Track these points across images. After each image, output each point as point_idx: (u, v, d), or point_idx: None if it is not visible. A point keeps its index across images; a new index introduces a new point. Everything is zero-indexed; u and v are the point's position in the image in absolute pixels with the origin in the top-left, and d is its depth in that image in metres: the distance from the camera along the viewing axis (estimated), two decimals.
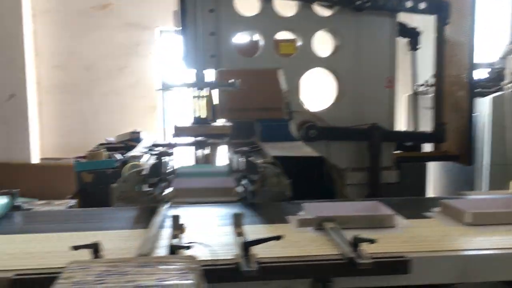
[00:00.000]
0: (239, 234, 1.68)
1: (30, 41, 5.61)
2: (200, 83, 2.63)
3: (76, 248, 1.36)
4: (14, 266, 1.48)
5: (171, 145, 3.77)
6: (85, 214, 2.15)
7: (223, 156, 4.06)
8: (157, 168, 2.33)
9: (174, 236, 1.67)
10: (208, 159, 4.20)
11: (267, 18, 2.57)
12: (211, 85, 2.69)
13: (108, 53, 5.86)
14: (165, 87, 2.71)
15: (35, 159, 5.67)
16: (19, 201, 2.20)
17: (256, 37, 2.82)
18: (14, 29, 5.41)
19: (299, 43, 2.66)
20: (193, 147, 4.01)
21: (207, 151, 4.16)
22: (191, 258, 1.20)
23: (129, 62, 5.94)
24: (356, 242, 1.47)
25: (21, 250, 1.63)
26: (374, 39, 2.64)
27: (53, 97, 5.86)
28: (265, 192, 2.58)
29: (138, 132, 4.50)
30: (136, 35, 5.91)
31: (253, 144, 3.62)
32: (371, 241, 1.45)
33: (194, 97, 4.84)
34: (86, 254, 1.39)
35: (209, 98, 4.41)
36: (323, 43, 2.82)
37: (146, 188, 2.50)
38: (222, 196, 2.48)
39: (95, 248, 1.38)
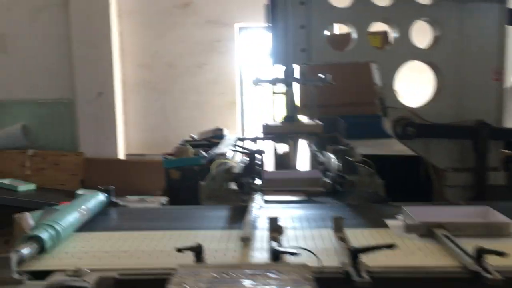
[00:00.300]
0: (342, 239, 1.57)
1: (117, 41, 5.82)
2: (290, 79, 2.54)
3: (179, 250, 1.32)
4: (114, 264, 1.47)
5: (254, 139, 3.73)
6: (177, 212, 2.14)
7: (304, 151, 3.96)
8: (251, 168, 2.28)
9: (273, 238, 1.60)
10: (289, 154, 4.12)
11: (361, 9, 2.44)
12: (302, 81, 2.59)
13: (189, 50, 5.94)
14: (255, 83, 2.65)
15: (121, 154, 5.89)
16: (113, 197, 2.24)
17: (347, 29, 2.69)
18: (102, 30, 5.64)
19: (395, 34, 2.50)
20: (274, 142, 3.94)
21: (287, 146, 4.08)
22: (305, 267, 1.11)
23: (209, 59, 5.99)
24: (480, 254, 1.31)
25: (119, 248, 1.63)
26: (480, 28, 2.42)
27: (137, 95, 6.04)
28: (358, 192, 2.46)
29: (221, 129, 4.51)
30: (216, 32, 5.95)
31: (337, 140, 3.49)
32: (500, 253, 1.29)
33: (275, 93, 4.79)
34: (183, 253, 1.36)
35: (290, 94, 4.32)
36: (419, 34, 2.63)
37: (234, 186, 2.48)
38: (309, 186, 2.44)
39: (198, 251, 1.34)
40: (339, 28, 4.53)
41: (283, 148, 4.10)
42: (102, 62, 5.67)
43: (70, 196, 4.92)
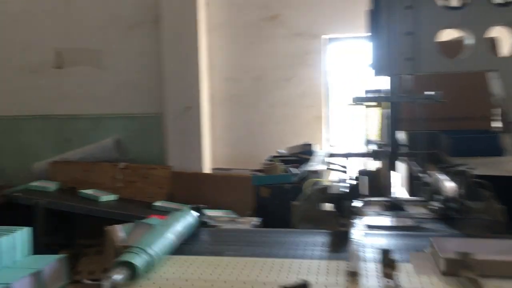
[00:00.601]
0: (473, 281, 1.32)
1: (205, 55, 5.85)
2: (394, 96, 2.31)
3: None
4: None
5: (345, 155, 3.51)
6: (274, 236, 1.97)
7: (401, 170, 3.66)
8: (356, 189, 2.08)
9: (386, 275, 1.39)
10: (380, 173, 3.83)
11: (478, 12, 2.16)
12: (408, 99, 2.35)
13: (276, 63, 5.84)
14: (356, 101, 2.45)
15: (207, 168, 5.88)
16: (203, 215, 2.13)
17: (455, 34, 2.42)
18: (191, 45, 5.69)
19: None
20: (367, 159, 3.69)
21: (380, 163, 3.79)
22: None
23: (296, 72, 5.85)
24: None
25: (219, 277, 1.50)
26: None
27: (224, 109, 6.03)
28: (474, 219, 2.17)
29: (310, 144, 4.32)
30: (304, 44, 5.80)
31: (438, 157, 3.17)
32: None
33: (368, 106, 4.50)
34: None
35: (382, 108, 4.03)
36: None
37: (330, 207, 2.29)
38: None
39: None
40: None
41: (375, 164, 3.82)
42: (190, 77, 5.71)
43: (149, 208, 4.97)
